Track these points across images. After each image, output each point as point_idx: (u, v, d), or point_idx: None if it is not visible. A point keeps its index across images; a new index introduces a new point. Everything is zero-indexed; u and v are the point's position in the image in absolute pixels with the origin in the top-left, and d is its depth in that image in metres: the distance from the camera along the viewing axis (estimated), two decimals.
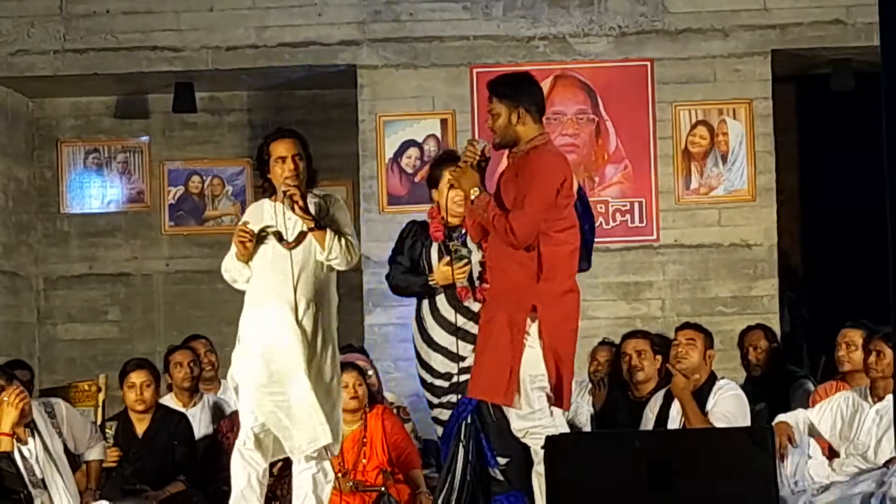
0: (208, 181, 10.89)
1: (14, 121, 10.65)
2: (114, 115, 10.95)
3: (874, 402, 7.15)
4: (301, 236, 6.44)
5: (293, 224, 6.46)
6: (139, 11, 9.95)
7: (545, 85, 9.64)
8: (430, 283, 6.70)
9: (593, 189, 9.63)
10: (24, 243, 10.76)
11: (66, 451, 7.23)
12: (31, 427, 7.08)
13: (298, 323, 6.38)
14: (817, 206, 10.94)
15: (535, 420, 6.11)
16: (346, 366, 7.68)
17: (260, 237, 6.47)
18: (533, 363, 6.13)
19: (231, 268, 6.56)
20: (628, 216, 9.75)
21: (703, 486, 5.31)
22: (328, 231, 6.39)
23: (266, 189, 6.59)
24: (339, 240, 6.40)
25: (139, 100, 10.90)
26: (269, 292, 6.42)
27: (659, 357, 7.82)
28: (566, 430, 6.31)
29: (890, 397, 7.11)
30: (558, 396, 6.19)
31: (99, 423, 7.86)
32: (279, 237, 6.45)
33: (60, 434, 7.21)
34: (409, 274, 6.84)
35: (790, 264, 10.51)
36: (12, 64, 10.02)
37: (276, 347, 6.38)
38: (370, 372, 7.89)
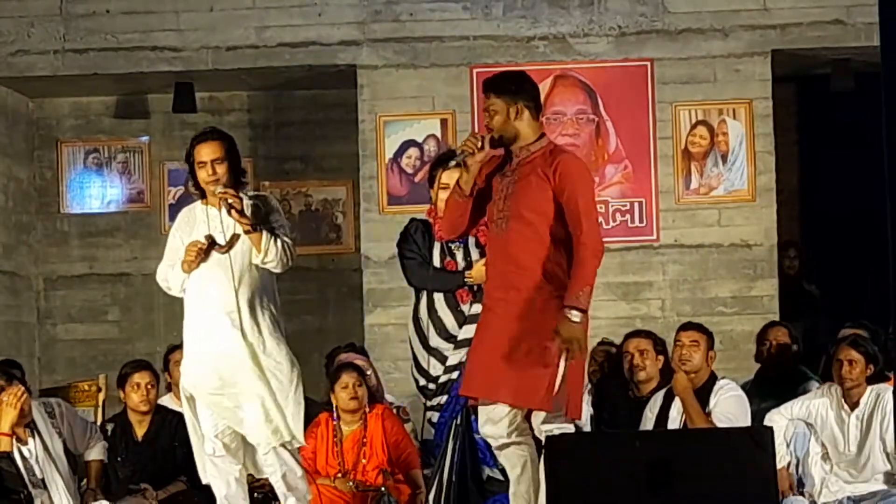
0: None
1: (14, 121, 10.65)
2: (114, 115, 10.95)
3: (851, 410, 7.18)
4: (234, 239, 6.31)
5: (229, 227, 6.34)
6: (139, 11, 9.94)
7: (545, 85, 9.65)
8: (468, 281, 6.62)
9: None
10: (24, 243, 10.75)
11: (66, 451, 7.23)
12: (31, 427, 7.08)
13: (240, 327, 6.29)
14: (817, 206, 10.94)
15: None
16: (345, 366, 7.69)
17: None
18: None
19: (170, 277, 6.44)
20: (628, 216, 9.75)
21: (703, 486, 5.31)
22: (264, 233, 6.26)
23: (196, 192, 6.46)
24: (276, 242, 6.28)
25: (139, 100, 10.90)
26: (210, 298, 6.33)
27: (661, 357, 7.82)
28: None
29: (864, 401, 7.15)
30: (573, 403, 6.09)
31: (99, 423, 7.86)
32: (213, 242, 6.31)
33: (60, 434, 7.21)
34: (428, 267, 6.71)
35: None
36: (12, 64, 10.01)
37: (220, 354, 6.31)
38: (369, 372, 7.89)
